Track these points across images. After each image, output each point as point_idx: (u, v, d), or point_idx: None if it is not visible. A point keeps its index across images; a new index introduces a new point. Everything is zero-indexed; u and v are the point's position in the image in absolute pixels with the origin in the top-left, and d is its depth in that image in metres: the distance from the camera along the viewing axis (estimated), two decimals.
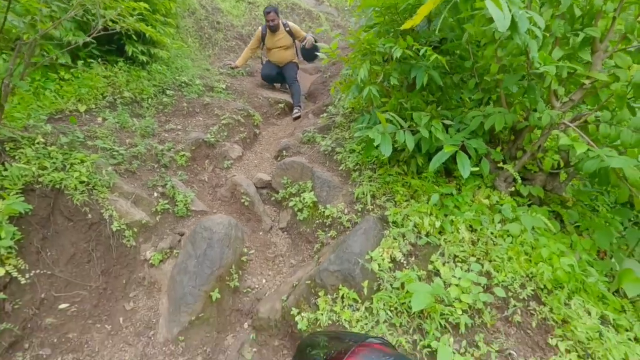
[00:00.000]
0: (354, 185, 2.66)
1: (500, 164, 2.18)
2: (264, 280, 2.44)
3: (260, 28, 4.77)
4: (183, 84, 4.06)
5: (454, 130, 2.27)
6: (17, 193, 2.02)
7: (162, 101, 3.69)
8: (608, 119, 1.91)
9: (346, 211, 2.48)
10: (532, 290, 1.74)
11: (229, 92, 4.48)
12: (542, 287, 1.74)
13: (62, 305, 2.06)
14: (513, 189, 2.23)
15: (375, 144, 2.09)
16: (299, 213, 2.75)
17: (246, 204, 2.97)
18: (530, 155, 2.22)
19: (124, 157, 2.76)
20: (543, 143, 2.22)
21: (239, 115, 3.95)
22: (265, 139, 4.18)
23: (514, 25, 1.50)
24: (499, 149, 2.37)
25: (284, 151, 3.50)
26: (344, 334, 1.52)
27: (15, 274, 1.89)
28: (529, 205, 2.16)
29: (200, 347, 2.01)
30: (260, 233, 2.91)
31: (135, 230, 2.44)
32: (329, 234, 2.47)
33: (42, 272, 2.06)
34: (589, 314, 1.64)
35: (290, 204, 2.83)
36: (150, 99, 3.62)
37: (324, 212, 2.55)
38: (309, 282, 1.99)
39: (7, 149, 2.21)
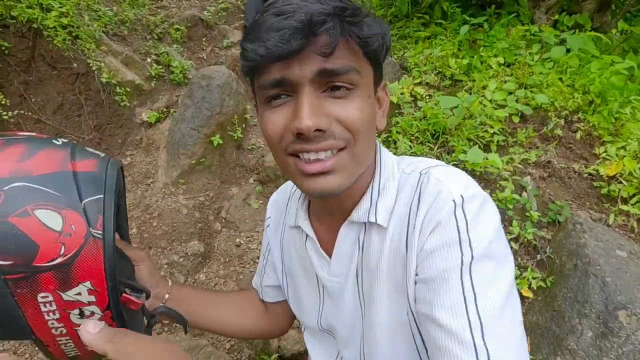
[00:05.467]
0: None
1: None
2: None
3: None
4: None
5: None
6: None
7: None
8: None
9: None
10: (577, 106, 1.51)
11: None
12: (589, 101, 1.50)
13: None
14: (555, 17, 1.92)
15: None
16: None
17: None
18: None
19: (110, 19, 2.48)
20: None
21: (239, 0, 3.55)
22: None
23: None
24: None
25: None
26: None
27: None
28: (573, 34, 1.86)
29: (202, 191, 1.88)
30: None
31: (129, 90, 2.23)
32: None
33: (27, 114, 1.89)
34: None
35: None
36: None
37: None
38: None
39: None
